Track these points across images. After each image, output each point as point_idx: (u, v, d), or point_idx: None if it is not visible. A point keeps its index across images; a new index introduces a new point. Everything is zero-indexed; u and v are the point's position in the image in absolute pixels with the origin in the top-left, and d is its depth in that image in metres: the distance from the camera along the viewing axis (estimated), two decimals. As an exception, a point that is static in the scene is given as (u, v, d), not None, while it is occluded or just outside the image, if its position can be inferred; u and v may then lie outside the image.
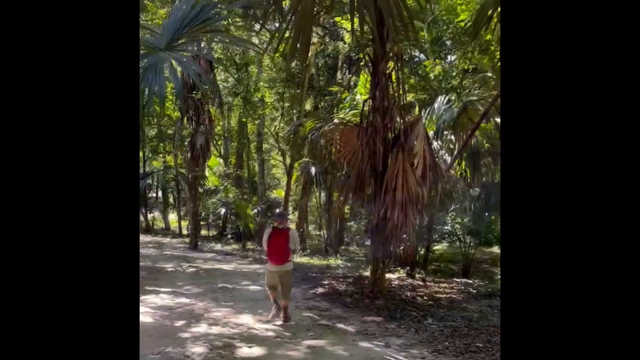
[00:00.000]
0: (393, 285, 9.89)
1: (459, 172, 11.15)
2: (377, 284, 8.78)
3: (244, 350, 5.39)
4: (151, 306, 7.42)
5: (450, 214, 18.21)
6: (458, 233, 19.68)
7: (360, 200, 9.29)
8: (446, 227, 20.12)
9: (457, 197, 12.63)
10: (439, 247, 19.80)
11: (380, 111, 8.69)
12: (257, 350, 5.38)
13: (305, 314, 7.19)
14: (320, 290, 9.25)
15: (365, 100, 9.34)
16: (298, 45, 9.13)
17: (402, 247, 8.68)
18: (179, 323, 6.49)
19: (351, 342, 5.80)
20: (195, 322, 6.58)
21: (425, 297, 8.77)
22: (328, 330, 6.33)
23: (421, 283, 10.59)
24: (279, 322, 6.57)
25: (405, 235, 9.03)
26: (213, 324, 6.50)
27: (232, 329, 6.28)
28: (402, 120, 8.90)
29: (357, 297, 8.45)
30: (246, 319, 6.81)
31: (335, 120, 11.15)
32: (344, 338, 5.99)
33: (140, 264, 12.60)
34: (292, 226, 21.64)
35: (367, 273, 11.62)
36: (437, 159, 9.19)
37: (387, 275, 9.93)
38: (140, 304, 6.65)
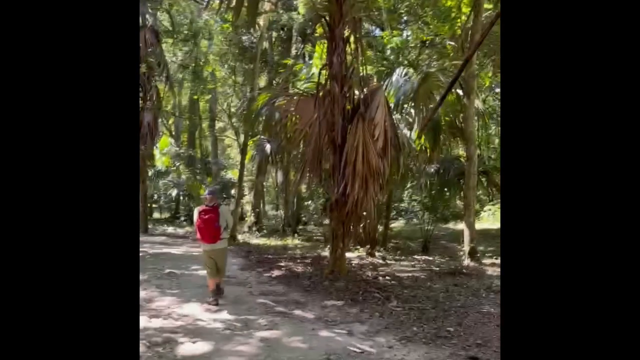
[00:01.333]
0: (353, 265, 9.27)
1: (418, 147, 10.56)
2: (337, 264, 8.12)
3: (187, 346, 4.59)
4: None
5: (407, 191, 17.86)
6: (415, 210, 19.39)
7: (318, 176, 8.54)
8: (403, 204, 19.84)
9: (414, 174, 12.08)
10: (395, 225, 19.45)
11: (338, 79, 7.92)
12: (201, 346, 4.59)
13: (259, 301, 6.43)
14: (276, 273, 8.51)
15: (321, 68, 8.54)
16: (245, 6, 8.23)
17: (362, 225, 8.04)
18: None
19: (310, 332, 5.09)
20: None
21: (387, 277, 8.18)
22: (284, 319, 5.59)
23: (382, 262, 10.03)
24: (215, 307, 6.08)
25: (365, 212, 8.39)
26: (154, 316, 5.65)
27: (175, 321, 5.46)
28: (361, 90, 8.17)
29: (316, 279, 7.76)
30: (192, 309, 5.99)
31: (290, 91, 10.32)
32: (301, 327, 5.27)
33: (81, 249, 11.50)
34: (248, 207, 20.81)
35: (326, 253, 10.97)
36: (398, 132, 8.53)
37: (347, 255, 9.29)
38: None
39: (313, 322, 5.47)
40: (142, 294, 6.82)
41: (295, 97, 9.37)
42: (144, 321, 5.39)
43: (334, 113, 7.85)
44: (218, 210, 6.23)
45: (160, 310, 5.87)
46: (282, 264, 9.26)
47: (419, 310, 6.00)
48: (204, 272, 7.74)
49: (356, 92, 8.43)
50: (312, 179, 8.61)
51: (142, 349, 4.50)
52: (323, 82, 8.17)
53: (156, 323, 5.34)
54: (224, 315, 5.72)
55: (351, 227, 8.07)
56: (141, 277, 8.10)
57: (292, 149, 15.21)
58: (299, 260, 9.72)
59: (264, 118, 13.39)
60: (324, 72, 8.31)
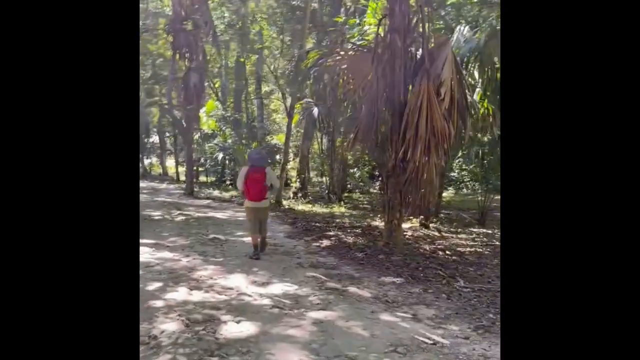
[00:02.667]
0: (407, 237, 8.47)
1: (481, 111, 9.50)
2: (393, 236, 7.34)
3: (230, 327, 3.95)
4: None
5: (457, 160, 16.74)
6: (465, 179, 18.25)
7: (373, 141, 7.68)
8: (453, 174, 18.71)
9: (476, 139, 11.01)
10: (445, 195, 18.43)
11: (400, 31, 6.97)
12: (246, 327, 3.94)
13: (309, 274, 5.75)
14: (325, 242, 7.82)
15: (380, 19, 7.58)
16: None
17: (422, 193, 7.18)
18: (153, 286, 5.06)
19: (370, 315, 4.36)
20: (174, 284, 5.15)
21: (447, 252, 7.34)
22: (339, 297, 4.89)
23: (437, 234, 9.18)
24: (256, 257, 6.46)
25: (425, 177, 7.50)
26: (195, 287, 5.06)
27: (218, 294, 4.85)
28: (425, 43, 7.18)
29: (370, 251, 7.02)
30: (237, 281, 5.38)
31: (344, 48, 9.41)
32: (359, 308, 4.54)
33: (126, 211, 11.16)
34: (292, 173, 20.21)
35: (377, 223, 10.21)
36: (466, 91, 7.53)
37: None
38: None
39: (372, 303, 4.73)
40: (184, 261, 6.28)
41: (348, 55, 8.46)
42: (184, 294, 4.81)
43: (394, 69, 6.94)
44: (265, 172, 6.51)
45: (203, 282, 5.29)
46: (331, 233, 8.56)
47: (490, 292, 5.17)
48: (249, 239, 7.18)
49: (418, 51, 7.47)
50: (366, 143, 7.77)
51: (179, 326, 3.91)
52: (382, 35, 7.24)
53: (197, 296, 4.75)
54: (272, 289, 5.08)
55: (409, 196, 7.23)
56: (184, 242, 7.60)
57: (342, 112, 14.37)
58: (348, 230, 9.00)
59: (312, 80, 12.58)
60: (383, 22, 7.35)
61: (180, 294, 4.80)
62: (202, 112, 23.50)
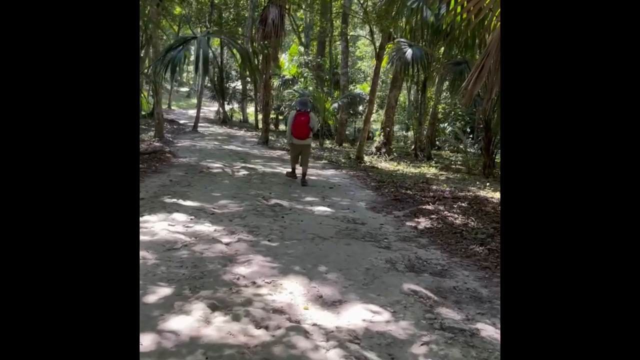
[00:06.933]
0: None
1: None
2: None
3: None
4: (144, 240, 4.00)
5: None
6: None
7: (498, 85, 5.06)
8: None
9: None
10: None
11: None
12: None
13: (407, 286, 3.41)
14: (423, 222, 5.42)
15: None
16: None
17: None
18: (154, 297, 2.98)
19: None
20: (190, 294, 3.05)
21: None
22: (466, 348, 2.57)
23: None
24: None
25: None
26: (221, 304, 2.93)
27: (254, 324, 2.69)
28: None
29: (495, 244, 4.54)
30: (293, 292, 3.18)
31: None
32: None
33: (184, 160, 9.31)
34: (378, 126, 17.69)
35: (484, 193, 7.62)
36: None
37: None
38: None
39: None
40: (224, 242, 4.19)
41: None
42: (195, 321, 2.69)
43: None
44: (309, 115, 7.47)
45: (237, 291, 3.13)
46: (429, 207, 6.13)
47: None
48: (321, 209, 4.99)
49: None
50: (493, 86, 5.15)
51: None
52: None
53: (217, 328, 2.62)
54: (347, 317, 2.84)
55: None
56: (237, 207, 5.53)
57: (442, 55, 11.51)
58: (451, 202, 6.51)
59: (411, 12, 9.82)
60: None
61: (189, 321, 2.68)
62: (285, 58, 21.32)
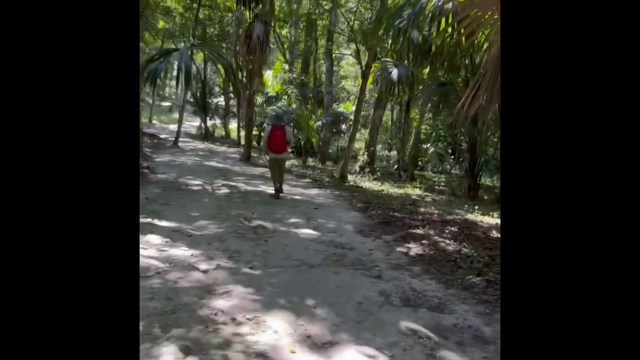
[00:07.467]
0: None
1: None
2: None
3: None
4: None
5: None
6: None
7: (497, 101, 4.85)
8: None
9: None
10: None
11: None
12: None
13: (403, 324, 3.07)
14: (414, 248, 5.11)
15: None
16: None
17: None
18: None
19: None
20: (161, 332, 2.66)
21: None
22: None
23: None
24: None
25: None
26: (195, 346, 2.55)
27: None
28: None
29: (493, 274, 4.24)
30: (278, 331, 2.81)
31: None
32: None
33: (162, 176, 8.86)
34: (362, 144, 17.47)
35: (473, 216, 7.38)
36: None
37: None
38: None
39: None
40: (201, 269, 3.80)
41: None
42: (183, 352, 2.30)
43: None
44: (284, 129, 7.50)
45: (214, 330, 2.75)
46: (418, 231, 5.83)
47: None
48: (307, 232, 4.63)
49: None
50: (490, 104, 4.94)
51: None
52: None
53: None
54: (341, 364, 2.48)
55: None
56: (217, 229, 5.14)
57: (431, 73, 11.37)
58: (440, 225, 6.23)
59: (398, 32, 9.66)
60: None
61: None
62: (269, 74, 21.07)
